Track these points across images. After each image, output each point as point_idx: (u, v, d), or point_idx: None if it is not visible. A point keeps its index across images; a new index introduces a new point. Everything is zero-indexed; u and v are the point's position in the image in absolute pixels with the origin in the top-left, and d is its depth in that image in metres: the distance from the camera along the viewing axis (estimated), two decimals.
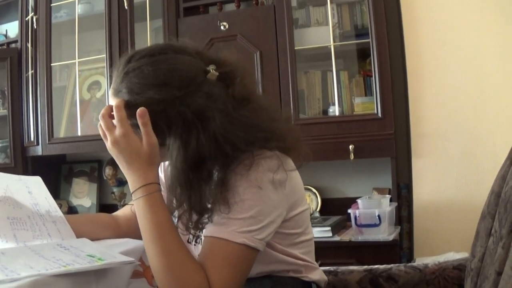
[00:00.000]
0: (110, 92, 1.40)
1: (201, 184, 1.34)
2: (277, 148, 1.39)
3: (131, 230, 1.66)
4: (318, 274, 1.53)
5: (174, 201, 1.36)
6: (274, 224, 1.35)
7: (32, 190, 1.51)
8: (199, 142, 1.30)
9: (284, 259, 1.44)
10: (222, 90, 1.36)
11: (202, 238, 1.38)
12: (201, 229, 1.38)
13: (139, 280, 1.37)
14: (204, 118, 1.31)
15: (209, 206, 1.34)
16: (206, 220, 1.36)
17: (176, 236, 1.31)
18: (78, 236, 1.43)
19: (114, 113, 1.33)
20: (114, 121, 1.34)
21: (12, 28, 4.29)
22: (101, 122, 1.35)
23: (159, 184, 1.35)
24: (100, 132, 1.38)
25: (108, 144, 1.35)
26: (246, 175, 1.31)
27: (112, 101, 1.37)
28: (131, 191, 1.34)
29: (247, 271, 1.32)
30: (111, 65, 3.52)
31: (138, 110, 1.29)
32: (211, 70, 1.35)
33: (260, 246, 1.31)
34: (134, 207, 1.35)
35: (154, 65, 1.34)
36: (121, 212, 1.73)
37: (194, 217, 1.36)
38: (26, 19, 3.93)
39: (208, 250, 1.29)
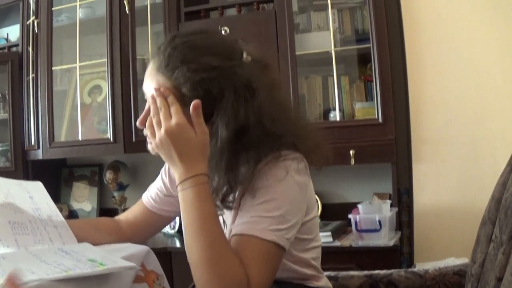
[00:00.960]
0: (152, 71, 1.40)
1: (241, 152, 1.37)
2: (301, 149, 1.42)
3: (134, 235, 1.66)
4: (324, 281, 1.55)
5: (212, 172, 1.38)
6: (297, 226, 1.38)
7: (33, 195, 1.51)
8: (248, 110, 1.34)
9: (294, 268, 1.46)
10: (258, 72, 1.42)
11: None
12: (226, 207, 1.40)
13: (140, 285, 1.37)
14: (251, 89, 1.36)
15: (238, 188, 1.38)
16: (231, 199, 1.38)
17: (221, 229, 1.33)
18: (80, 241, 1.43)
19: (169, 99, 1.34)
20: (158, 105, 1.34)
21: (13, 32, 4.29)
22: (156, 110, 1.34)
23: (208, 175, 1.35)
24: (149, 123, 1.37)
25: (162, 132, 1.33)
26: (276, 174, 1.34)
27: (152, 81, 1.38)
28: (178, 182, 1.34)
29: (277, 269, 1.34)
30: (112, 69, 3.53)
31: (193, 102, 1.31)
32: (245, 55, 1.42)
33: (287, 245, 1.33)
34: (179, 198, 1.34)
35: (203, 39, 1.41)
36: (123, 216, 1.73)
37: (225, 189, 1.38)
38: (27, 22, 3.93)
39: (240, 247, 1.30)
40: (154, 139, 1.35)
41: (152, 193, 1.70)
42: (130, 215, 1.72)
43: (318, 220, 1.55)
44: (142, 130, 1.42)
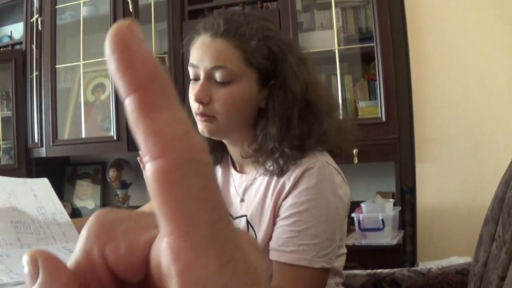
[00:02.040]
0: (206, 40, 1.35)
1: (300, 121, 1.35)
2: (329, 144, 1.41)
3: None
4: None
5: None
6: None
7: (37, 193, 1.51)
8: (305, 76, 1.38)
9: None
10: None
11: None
12: (280, 169, 1.35)
13: None
14: (302, 58, 1.41)
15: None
16: (281, 162, 1.34)
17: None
18: None
19: None
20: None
21: (16, 30, 4.30)
22: None
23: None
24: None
25: None
26: (317, 194, 1.30)
27: (208, 49, 1.34)
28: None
29: None
30: None
31: None
32: None
33: (333, 263, 1.32)
34: None
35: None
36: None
37: (284, 150, 1.34)
38: (31, 20, 3.94)
39: (288, 277, 1.28)
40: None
41: None
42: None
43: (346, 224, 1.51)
44: None
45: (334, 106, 1.47)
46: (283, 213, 1.32)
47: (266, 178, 1.38)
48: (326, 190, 1.31)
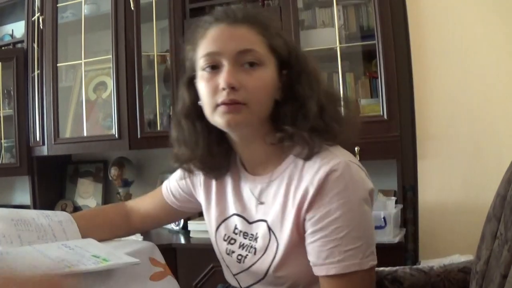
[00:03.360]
0: (231, 22, 1.33)
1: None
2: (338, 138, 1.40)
3: (143, 228, 1.66)
4: None
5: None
6: None
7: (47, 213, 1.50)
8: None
9: None
10: None
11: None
12: (308, 153, 1.33)
13: (165, 280, 1.36)
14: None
15: None
16: (308, 146, 1.32)
17: None
18: (86, 236, 1.43)
19: None
20: None
21: (18, 28, 4.30)
22: None
23: None
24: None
25: None
26: (349, 196, 1.27)
27: (232, 35, 1.32)
28: None
29: None
30: (117, 65, 3.52)
31: None
32: None
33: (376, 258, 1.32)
34: None
35: None
36: (135, 207, 1.69)
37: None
38: (32, 19, 3.94)
39: (348, 286, 1.27)
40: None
41: (173, 188, 1.65)
42: (143, 208, 1.69)
43: None
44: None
45: (339, 101, 1.47)
46: (316, 223, 1.28)
47: (285, 182, 1.35)
48: (356, 189, 1.28)
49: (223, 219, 1.50)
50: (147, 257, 1.39)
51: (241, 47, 1.30)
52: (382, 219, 2.76)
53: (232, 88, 1.27)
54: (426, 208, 2.98)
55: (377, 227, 2.77)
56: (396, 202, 2.94)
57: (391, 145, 2.98)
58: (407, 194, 3.09)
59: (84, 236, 1.45)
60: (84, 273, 1.12)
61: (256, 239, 1.41)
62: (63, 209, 3.97)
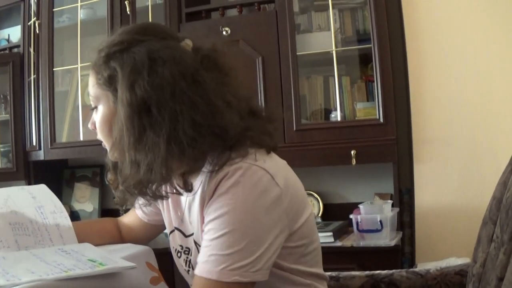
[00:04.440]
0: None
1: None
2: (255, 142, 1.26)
3: (133, 240, 1.63)
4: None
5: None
6: (273, 247, 1.19)
7: (35, 195, 1.51)
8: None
9: (291, 278, 1.29)
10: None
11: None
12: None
13: (159, 285, 1.36)
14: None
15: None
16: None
17: None
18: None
19: None
20: None
21: (14, 33, 4.29)
22: None
23: None
24: None
25: None
26: (231, 198, 1.16)
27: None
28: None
29: None
30: None
31: None
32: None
33: (259, 276, 1.16)
34: None
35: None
36: (125, 221, 1.68)
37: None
38: (29, 23, 3.93)
39: None
40: None
41: (140, 201, 1.56)
42: (128, 221, 1.67)
43: (313, 218, 1.34)
44: None
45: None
46: (205, 226, 1.22)
47: (199, 195, 1.29)
48: (245, 193, 1.16)
49: (170, 231, 1.49)
50: (143, 261, 1.39)
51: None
52: (379, 222, 2.76)
53: None
54: (422, 211, 2.98)
55: (373, 231, 2.78)
56: (393, 205, 2.95)
57: (388, 148, 2.98)
58: (404, 197, 3.10)
59: (80, 241, 1.45)
60: (86, 277, 1.11)
61: (190, 253, 1.39)
62: None
